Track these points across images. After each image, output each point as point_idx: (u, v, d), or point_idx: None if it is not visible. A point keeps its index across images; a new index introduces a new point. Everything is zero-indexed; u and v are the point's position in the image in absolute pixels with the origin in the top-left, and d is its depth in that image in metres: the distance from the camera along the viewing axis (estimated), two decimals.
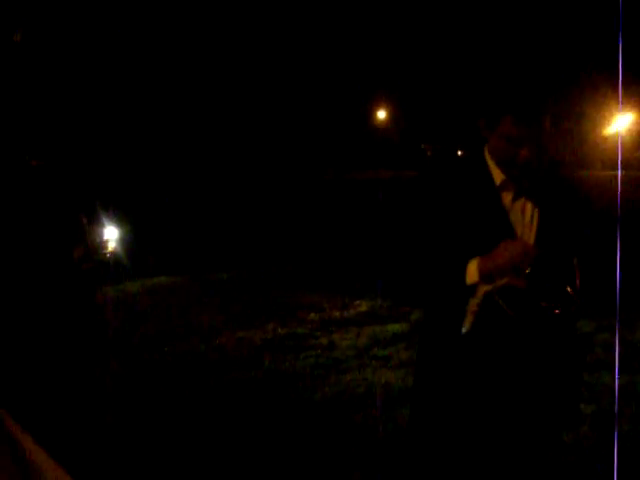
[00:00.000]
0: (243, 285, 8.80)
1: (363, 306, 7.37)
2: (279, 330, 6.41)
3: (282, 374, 5.11)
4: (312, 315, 6.97)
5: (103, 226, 8.91)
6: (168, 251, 11.10)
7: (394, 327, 6.47)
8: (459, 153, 27.91)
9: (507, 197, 2.07)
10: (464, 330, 1.98)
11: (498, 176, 2.09)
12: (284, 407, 4.42)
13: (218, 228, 13.50)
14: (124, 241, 9.88)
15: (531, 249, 1.96)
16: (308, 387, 4.79)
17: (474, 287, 1.99)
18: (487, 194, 2.05)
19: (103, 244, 8.84)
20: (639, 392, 4.84)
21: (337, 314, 7.02)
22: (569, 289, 1.98)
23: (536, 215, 2.06)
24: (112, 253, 9.29)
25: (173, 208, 15.71)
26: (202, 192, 18.81)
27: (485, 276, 1.98)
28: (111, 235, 9.41)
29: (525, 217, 2.07)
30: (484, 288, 1.98)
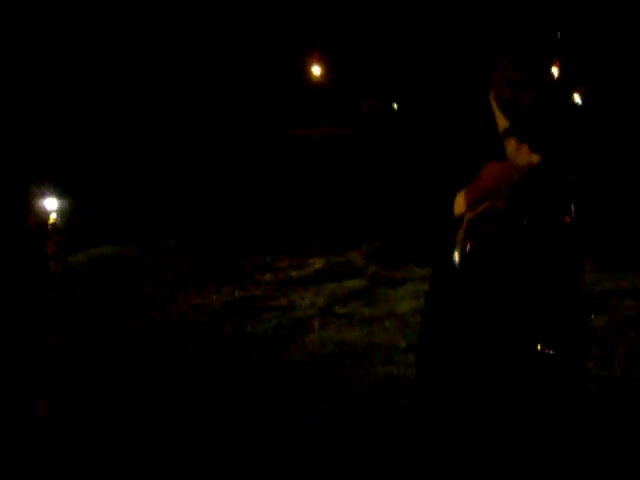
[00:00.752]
0: (193, 250, 8.58)
1: (318, 263, 7.28)
2: (236, 293, 6.27)
3: (245, 338, 5.00)
4: (268, 276, 6.85)
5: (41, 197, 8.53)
6: (112, 218, 10.76)
7: (352, 283, 6.42)
8: (395, 107, 27.76)
9: (510, 144, 1.98)
10: (456, 263, 1.93)
11: (502, 122, 2.02)
12: (252, 372, 4.31)
13: (161, 190, 13.16)
14: (64, 212, 9.49)
15: (516, 168, 1.91)
16: (274, 350, 4.70)
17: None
18: (489, 138, 1.97)
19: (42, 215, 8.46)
20: None
21: (294, 273, 6.92)
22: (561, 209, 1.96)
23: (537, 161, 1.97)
24: (52, 225, 8.91)
25: (114, 170, 15.22)
26: (143, 153, 18.31)
27: (471, 203, 1.93)
28: (51, 206, 9.02)
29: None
30: (469, 215, 1.94)
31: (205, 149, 19.99)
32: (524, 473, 1.98)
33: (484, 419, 1.97)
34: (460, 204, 1.95)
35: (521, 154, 1.93)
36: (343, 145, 17.70)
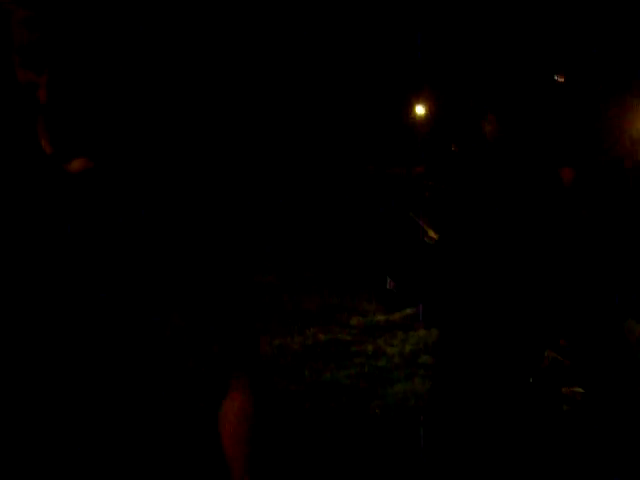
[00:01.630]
0: (278, 288, 8.43)
1: (408, 309, 6.96)
2: (320, 336, 6.04)
3: (324, 386, 4.74)
4: (355, 319, 6.58)
5: None
6: None
7: None
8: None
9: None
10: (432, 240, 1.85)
11: None
12: (327, 425, 4.04)
13: (250, 225, 13.16)
14: None
15: None
16: (353, 401, 4.41)
17: None
18: None
19: None
20: None
21: (382, 318, 6.62)
22: None
23: None
24: None
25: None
26: (238, 186, 18.51)
27: None
28: None
29: None
30: None
31: (305, 184, 20.07)
32: None
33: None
34: None
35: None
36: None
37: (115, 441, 1.08)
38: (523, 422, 1.83)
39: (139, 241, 1.08)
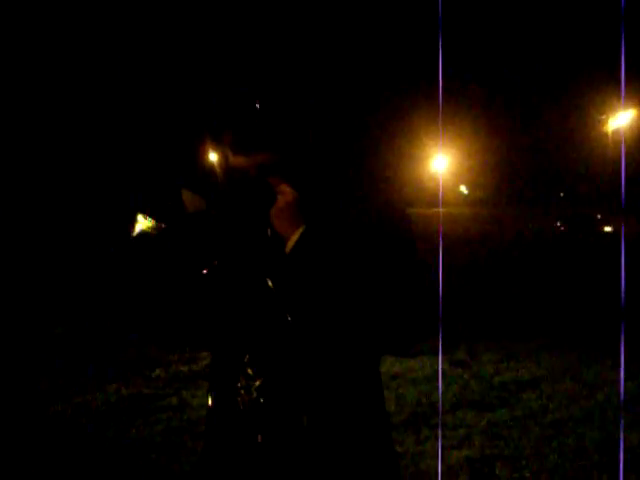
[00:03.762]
0: (78, 342, 8.00)
1: (208, 358, 6.88)
2: (122, 391, 5.79)
3: (130, 444, 4.53)
4: (157, 371, 6.40)
5: None
6: None
7: None
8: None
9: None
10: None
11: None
12: None
13: (47, 277, 12.43)
14: None
15: None
16: (161, 457, 4.26)
17: None
18: None
19: None
20: (502, 433, 4.77)
21: (184, 368, 6.49)
22: None
23: None
24: None
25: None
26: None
27: None
28: None
29: None
30: None
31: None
32: None
33: None
34: None
35: None
36: None
37: None
38: None
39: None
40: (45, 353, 7.33)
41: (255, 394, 1.61)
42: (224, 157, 1.69)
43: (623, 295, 7.44)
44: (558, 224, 32.87)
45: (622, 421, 4.86)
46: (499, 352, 7.17)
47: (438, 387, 5.83)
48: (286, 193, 1.62)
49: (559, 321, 8.90)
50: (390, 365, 6.30)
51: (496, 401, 5.58)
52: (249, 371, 1.62)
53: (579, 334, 8.07)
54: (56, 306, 10.03)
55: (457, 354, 7.01)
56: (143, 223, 1.74)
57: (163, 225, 1.73)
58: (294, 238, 1.59)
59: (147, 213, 1.73)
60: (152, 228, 1.74)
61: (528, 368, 6.54)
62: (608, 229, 30.44)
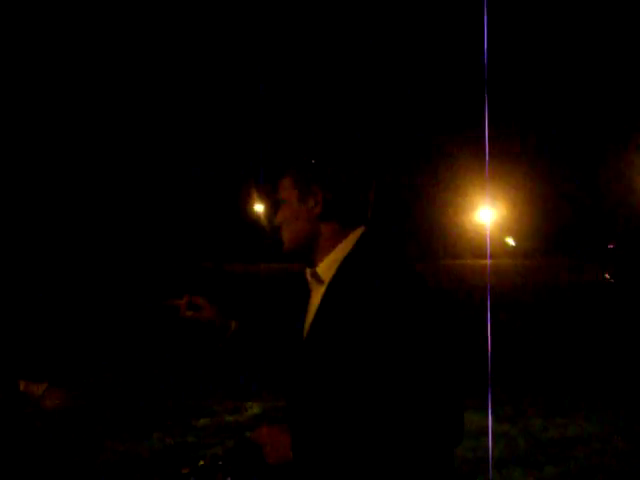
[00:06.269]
0: (123, 390, 8.09)
1: (255, 408, 6.90)
2: (167, 440, 5.83)
3: None
4: (202, 421, 6.43)
5: None
6: (38, 351, 10.18)
7: None
8: None
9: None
10: None
11: None
12: None
13: (88, 322, 12.64)
14: None
15: None
16: None
17: None
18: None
19: None
20: None
21: (229, 418, 6.51)
22: None
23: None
24: None
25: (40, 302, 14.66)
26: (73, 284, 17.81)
27: None
28: None
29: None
30: None
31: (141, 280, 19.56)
32: None
33: None
34: None
35: None
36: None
37: None
38: None
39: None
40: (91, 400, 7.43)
41: None
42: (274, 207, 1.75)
43: None
44: (607, 276, 32.25)
45: None
46: (547, 407, 7.02)
47: (488, 443, 5.72)
48: None
49: (609, 376, 8.69)
50: None
51: (544, 458, 5.45)
52: None
53: (630, 390, 7.86)
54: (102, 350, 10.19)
55: (504, 409, 6.89)
56: None
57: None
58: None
59: None
60: None
61: (577, 424, 6.39)
62: None
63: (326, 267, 1.66)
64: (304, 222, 1.67)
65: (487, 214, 33.62)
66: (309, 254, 1.68)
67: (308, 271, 1.69)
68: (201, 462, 1.67)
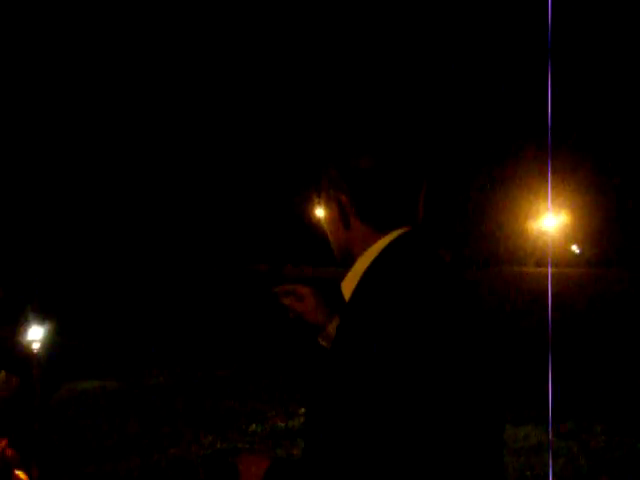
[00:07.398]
0: (178, 392, 8.12)
1: None
2: (218, 444, 5.79)
3: None
4: (254, 426, 6.38)
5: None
6: (97, 351, 10.35)
7: None
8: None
9: None
10: None
11: None
12: None
13: (149, 324, 12.80)
14: (49, 341, 9.10)
15: None
16: None
17: None
18: None
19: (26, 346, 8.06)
20: None
21: (282, 424, 6.45)
22: None
23: None
24: (36, 355, 8.49)
25: (104, 302, 14.96)
26: (132, 287, 18.12)
27: None
28: (35, 336, 8.61)
29: None
30: None
31: (197, 287, 19.76)
32: None
33: None
34: None
35: None
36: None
37: None
38: None
39: None
40: (148, 401, 7.48)
41: None
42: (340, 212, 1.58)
43: None
44: None
45: None
46: (611, 424, 6.74)
47: (547, 459, 5.51)
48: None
49: None
50: None
51: (607, 478, 5.21)
52: None
53: None
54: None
55: (566, 424, 6.63)
56: None
57: None
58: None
59: None
60: None
61: None
62: None
63: (349, 280, 1.47)
64: (336, 227, 1.53)
65: (551, 221, 32.92)
66: (351, 262, 1.52)
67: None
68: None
